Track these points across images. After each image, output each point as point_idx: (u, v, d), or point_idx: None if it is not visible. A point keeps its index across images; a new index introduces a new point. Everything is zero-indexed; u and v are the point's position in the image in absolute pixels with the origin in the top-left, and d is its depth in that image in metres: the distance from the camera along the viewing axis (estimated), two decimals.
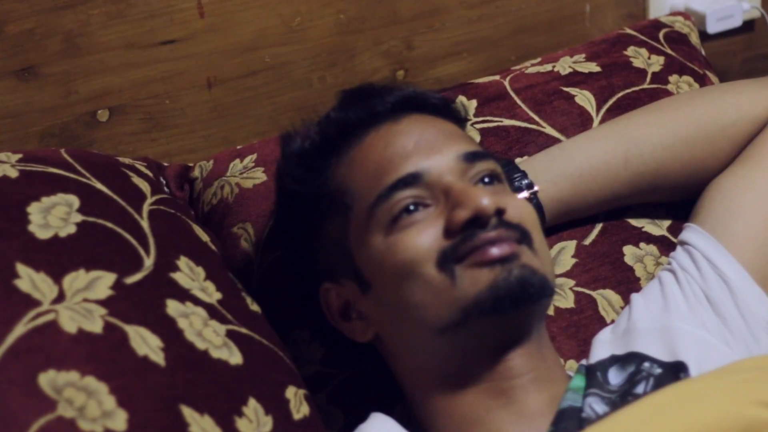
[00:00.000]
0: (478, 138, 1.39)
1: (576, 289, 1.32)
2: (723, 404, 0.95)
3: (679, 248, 1.27)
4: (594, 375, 1.14)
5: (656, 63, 1.50)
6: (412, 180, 1.12)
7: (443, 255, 1.08)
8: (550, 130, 1.41)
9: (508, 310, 1.08)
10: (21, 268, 1.05)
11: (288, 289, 1.29)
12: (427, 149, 1.13)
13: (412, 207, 1.11)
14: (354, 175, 1.16)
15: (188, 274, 1.17)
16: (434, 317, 1.09)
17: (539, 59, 1.54)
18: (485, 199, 1.08)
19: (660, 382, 1.11)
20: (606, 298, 1.32)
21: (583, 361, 1.20)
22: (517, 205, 1.13)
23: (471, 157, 1.14)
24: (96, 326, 1.04)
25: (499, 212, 1.10)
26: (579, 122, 1.42)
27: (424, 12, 1.63)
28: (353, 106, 1.20)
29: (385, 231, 1.11)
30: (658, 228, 1.37)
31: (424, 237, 1.09)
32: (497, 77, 1.49)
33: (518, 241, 1.10)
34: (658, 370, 1.13)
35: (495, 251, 1.07)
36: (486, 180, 1.14)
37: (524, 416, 1.11)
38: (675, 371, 1.13)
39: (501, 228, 1.09)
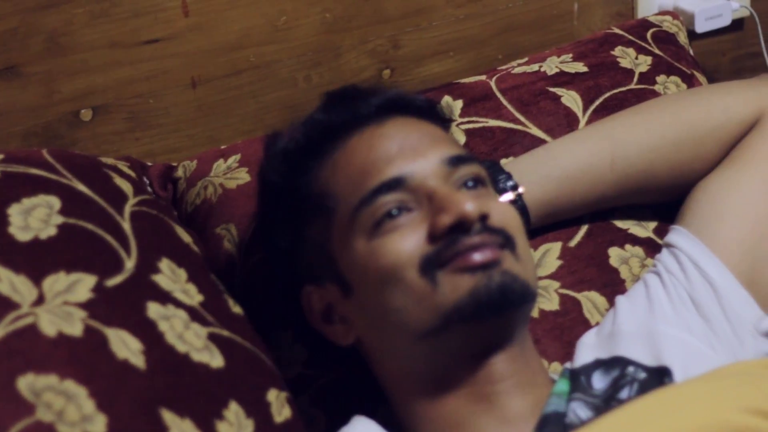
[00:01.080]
0: (463, 139, 1.38)
1: (561, 291, 1.31)
2: (708, 411, 0.95)
3: (664, 251, 1.26)
4: (578, 379, 1.14)
5: (644, 63, 1.50)
6: (396, 184, 1.11)
7: (426, 260, 1.08)
8: (536, 131, 1.40)
9: (489, 317, 1.07)
10: (0, 271, 1.04)
11: (271, 291, 1.28)
12: (410, 153, 1.13)
13: (395, 211, 1.10)
14: (337, 178, 1.15)
15: (170, 276, 1.16)
16: (415, 322, 1.09)
17: (526, 59, 1.53)
18: (469, 205, 1.08)
19: (644, 387, 1.11)
20: (591, 300, 1.31)
21: (567, 365, 1.20)
22: (501, 210, 1.12)
23: (455, 161, 1.13)
24: (76, 329, 1.03)
25: (483, 217, 1.09)
26: (565, 123, 1.41)
27: (410, 11, 1.62)
28: (337, 108, 1.19)
29: (367, 235, 1.10)
30: (644, 230, 1.36)
31: (407, 242, 1.09)
32: (483, 77, 1.48)
33: (501, 247, 1.09)
34: (642, 375, 1.13)
35: (477, 257, 1.07)
36: (470, 184, 1.14)
37: (507, 421, 1.10)
38: (659, 376, 1.12)
39: (484, 233, 1.08)
